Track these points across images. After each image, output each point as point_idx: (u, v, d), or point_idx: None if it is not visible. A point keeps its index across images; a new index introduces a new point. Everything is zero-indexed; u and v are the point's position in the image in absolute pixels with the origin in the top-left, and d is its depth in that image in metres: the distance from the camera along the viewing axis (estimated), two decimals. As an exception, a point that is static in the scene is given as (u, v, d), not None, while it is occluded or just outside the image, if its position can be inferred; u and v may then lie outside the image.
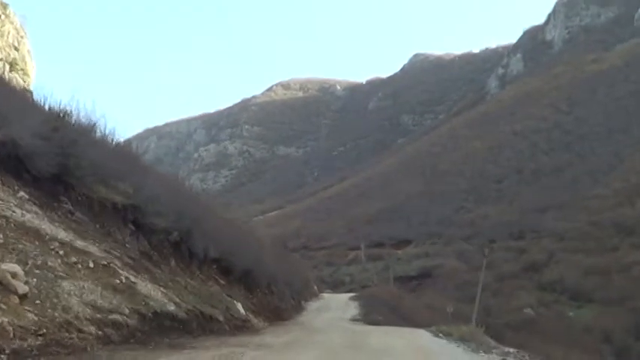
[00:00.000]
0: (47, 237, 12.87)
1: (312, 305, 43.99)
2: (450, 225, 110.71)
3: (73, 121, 18.16)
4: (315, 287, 68.72)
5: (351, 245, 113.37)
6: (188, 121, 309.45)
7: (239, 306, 22.32)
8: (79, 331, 10.41)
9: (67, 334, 9.99)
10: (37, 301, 10.13)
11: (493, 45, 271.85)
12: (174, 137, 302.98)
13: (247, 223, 45.01)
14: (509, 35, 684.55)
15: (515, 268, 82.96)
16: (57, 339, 9.59)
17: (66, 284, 11.32)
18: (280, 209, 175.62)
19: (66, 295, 10.95)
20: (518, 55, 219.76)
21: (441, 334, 26.83)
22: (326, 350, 16.29)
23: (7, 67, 52.86)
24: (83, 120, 19.11)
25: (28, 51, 59.78)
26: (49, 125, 15.54)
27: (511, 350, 22.24)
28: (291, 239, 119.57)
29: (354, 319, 35.09)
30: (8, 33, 56.21)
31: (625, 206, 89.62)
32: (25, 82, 50.45)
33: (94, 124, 19.79)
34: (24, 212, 13.34)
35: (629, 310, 58.74)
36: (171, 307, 14.98)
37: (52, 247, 12.52)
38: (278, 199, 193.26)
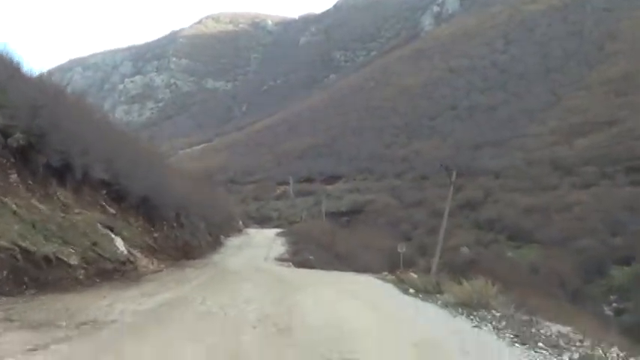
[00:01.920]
0: None
1: (233, 241, 38.73)
2: (381, 161, 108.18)
3: None
4: (241, 222, 64.56)
5: (280, 180, 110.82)
6: (114, 52, 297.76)
7: (118, 242, 16.28)
8: None
9: None
10: None
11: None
12: (100, 69, 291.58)
13: (153, 145, 39.02)
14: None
15: (450, 205, 79.52)
16: None
17: None
18: (207, 143, 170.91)
19: None
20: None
21: (413, 291, 19.24)
22: (221, 342, 9.16)
23: None
24: None
25: None
26: None
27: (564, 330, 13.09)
28: (218, 173, 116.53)
29: (280, 260, 29.64)
30: None
31: (562, 145, 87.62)
32: None
33: None
34: None
35: (574, 251, 55.62)
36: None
37: None
38: (205, 133, 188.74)
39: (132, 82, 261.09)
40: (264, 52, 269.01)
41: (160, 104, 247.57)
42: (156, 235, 22.69)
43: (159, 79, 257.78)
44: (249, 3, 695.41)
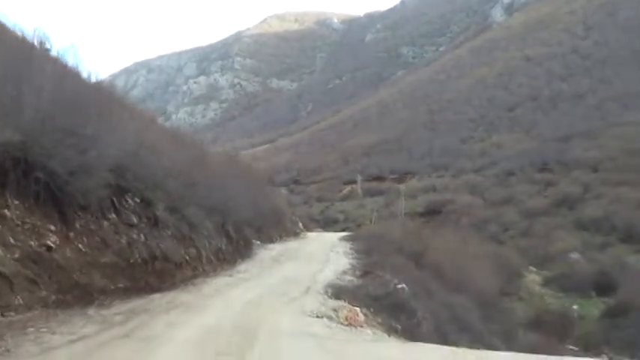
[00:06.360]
0: None
1: (273, 250, 26.56)
2: (457, 156, 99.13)
3: None
4: (301, 225, 55.67)
5: (346, 179, 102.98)
6: (179, 54, 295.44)
7: None
8: None
9: None
10: None
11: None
12: (164, 71, 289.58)
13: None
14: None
15: (543, 203, 69.52)
16: None
17: None
18: (271, 143, 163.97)
19: None
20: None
21: None
22: None
23: None
24: None
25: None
26: None
27: None
28: (280, 173, 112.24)
29: (337, 290, 16.02)
30: None
31: (667, 133, 76.69)
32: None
33: None
34: None
35: None
36: None
37: None
38: (269, 133, 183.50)
39: (195, 83, 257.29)
40: (330, 50, 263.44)
41: (224, 105, 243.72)
42: (52, 240, 10.74)
43: (223, 80, 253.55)
44: (314, 2, 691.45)
